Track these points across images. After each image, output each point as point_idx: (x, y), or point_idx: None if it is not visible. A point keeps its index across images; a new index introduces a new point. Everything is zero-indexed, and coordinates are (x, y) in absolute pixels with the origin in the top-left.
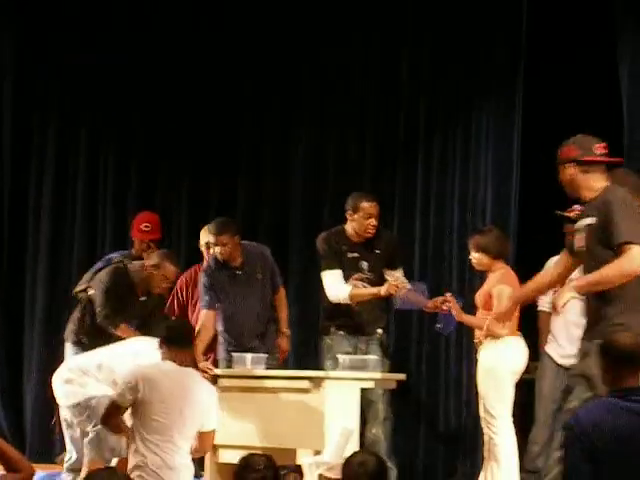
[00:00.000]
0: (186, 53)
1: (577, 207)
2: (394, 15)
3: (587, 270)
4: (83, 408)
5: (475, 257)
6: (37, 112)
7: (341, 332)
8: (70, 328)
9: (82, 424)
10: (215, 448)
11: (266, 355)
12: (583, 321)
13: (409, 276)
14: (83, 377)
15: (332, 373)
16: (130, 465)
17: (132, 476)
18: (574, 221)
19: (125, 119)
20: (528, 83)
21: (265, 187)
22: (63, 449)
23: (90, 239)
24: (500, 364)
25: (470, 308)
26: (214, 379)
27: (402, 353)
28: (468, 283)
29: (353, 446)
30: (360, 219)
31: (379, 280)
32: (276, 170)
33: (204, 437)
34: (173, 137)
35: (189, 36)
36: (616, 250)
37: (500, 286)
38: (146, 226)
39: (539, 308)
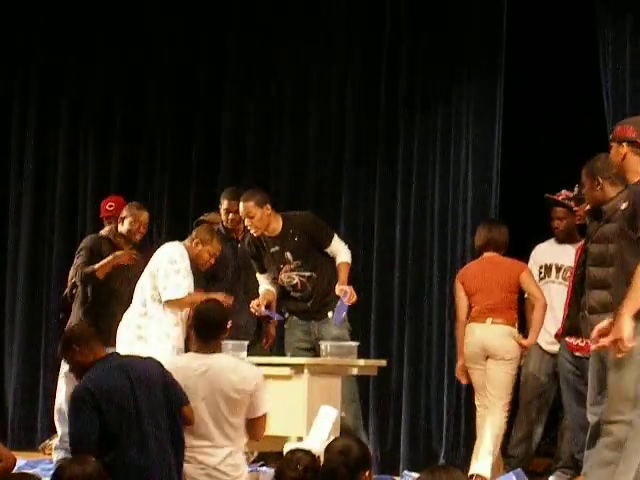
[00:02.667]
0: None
1: (564, 192)
2: None
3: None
4: None
5: None
6: (15, 104)
7: (294, 317)
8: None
9: None
10: None
11: (247, 342)
12: None
13: (390, 262)
14: None
15: (314, 360)
16: None
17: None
18: (563, 205)
19: (106, 106)
20: (509, 65)
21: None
22: (45, 437)
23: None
24: None
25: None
26: None
27: (383, 336)
28: (450, 267)
29: (336, 432)
30: (223, 213)
31: (310, 266)
32: (258, 160)
33: (253, 424)
34: (152, 122)
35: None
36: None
37: None
38: (110, 205)
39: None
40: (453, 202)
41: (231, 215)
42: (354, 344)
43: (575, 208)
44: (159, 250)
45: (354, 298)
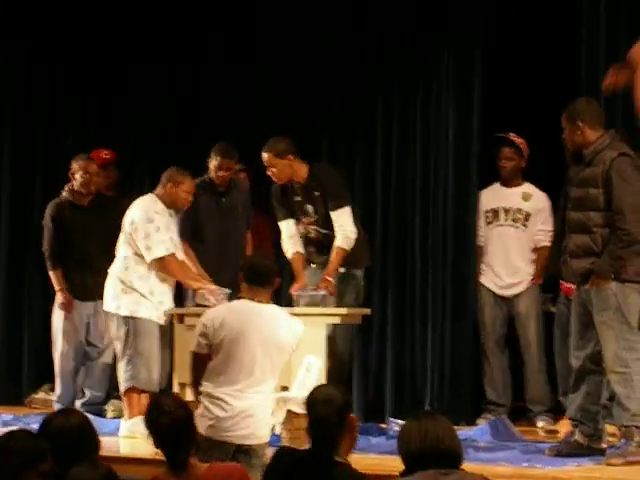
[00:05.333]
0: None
1: (513, 135)
2: None
3: None
4: None
5: None
6: None
7: (314, 266)
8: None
9: None
10: (182, 387)
11: (229, 290)
12: (526, 253)
13: (371, 223)
14: None
15: (297, 309)
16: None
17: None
18: (513, 144)
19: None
20: (489, 26)
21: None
22: (31, 391)
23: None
24: None
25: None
26: (180, 318)
27: (367, 289)
28: (433, 209)
29: (320, 381)
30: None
31: (328, 224)
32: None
33: None
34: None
35: None
36: None
37: None
38: (106, 153)
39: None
40: (435, 152)
41: (221, 172)
42: (322, 293)
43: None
44: (132, 206)
45: (331, 292)
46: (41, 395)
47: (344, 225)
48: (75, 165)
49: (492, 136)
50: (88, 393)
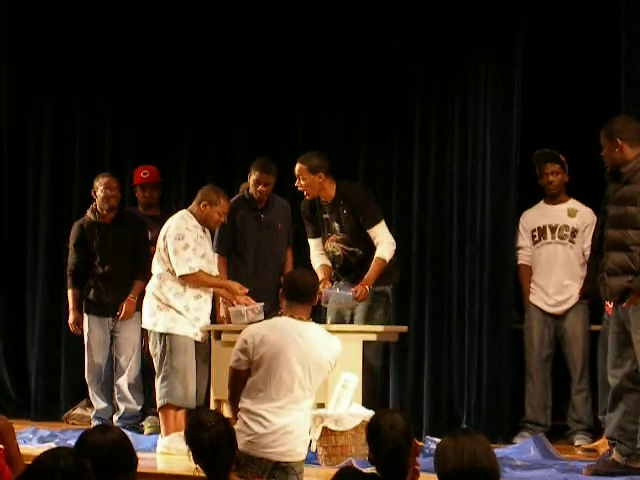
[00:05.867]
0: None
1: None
2: None
3: None
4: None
5: None
6: (33, 86)
7: (341, 282)
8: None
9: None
10: (219, 403)
11: (262, 303)
12: (575, 270)
13: (408, 227)
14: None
15: (334, 326)
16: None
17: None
18: (558, 159)
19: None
20: (529, 29)
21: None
22: (69, 407)
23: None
24: None
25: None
26: (217, 335)
27: (403, 303)
28: (469, 233)
29: (357, 398)
30: (252, 183)
31: (355, 241)
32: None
33: None
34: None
35: None
36: None
37: None
38: (144, 173)
39: (519, 262)
40: (472, 168)
41: (260, 187)
42: (350, 293)
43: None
44: (167, 222)
45: (362, 300)
46: (78, 411)
47: (384, 238)
48: (96, 183)
49: (536, 153)
50: (122, 407)
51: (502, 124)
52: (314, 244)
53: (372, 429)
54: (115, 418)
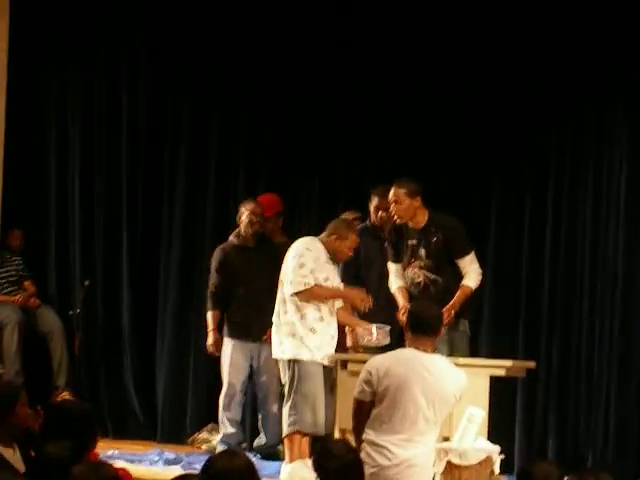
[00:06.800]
0: None
1: None
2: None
3: None
4: None
5: None
6: (169, 101)
7: None
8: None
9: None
10: (343, 433)
11: (388, 327)
12: None
13: (540, 264)
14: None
15: (461, 360)
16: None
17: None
18: None
19: (256, 106)
20: None
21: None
22: (194, 431)
23: (222, 227)
24: None
25: None
26: (343, 364)
27: (532, 339)
28: (602, 270)
29: (482, 433)
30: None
31: (439, 269)
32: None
33: None
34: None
35: None
36: None
37: None
38: (268, 201)
39: None
40: (607, 197)
41: (380, 213)
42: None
43: None
44: (293, 245)
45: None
46: (204, 435)
47: (470, 268)
48: (242, 208)
49: None
50: (264, 437)
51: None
52: (394, 269)
53: (525, 478)
54: (255, 443)
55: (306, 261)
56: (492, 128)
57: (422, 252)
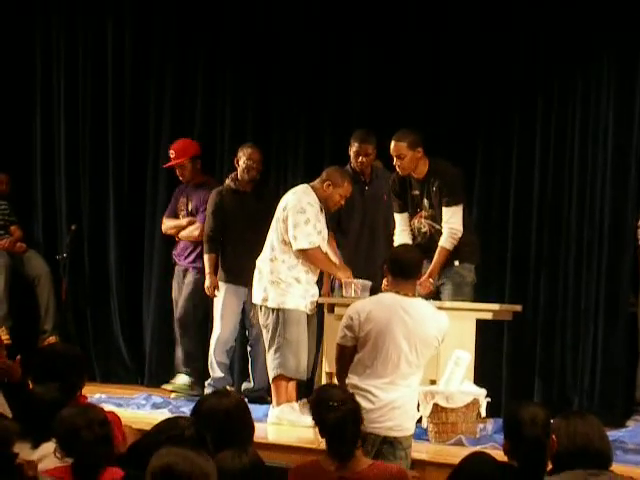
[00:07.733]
0: None
1: None
2: None
3: None
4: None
5: None
6: (156, 50)
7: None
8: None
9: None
10: (330, 376)
11: (369, 283)
12: None
13: (528, 209)
14: None
15: (448, 303)
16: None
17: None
18: None
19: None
20: None
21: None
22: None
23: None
24: None
25: None
26: (331, 308)
27: (519, 282)
28: (589, 213)
29: (469, 376)
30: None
31: (441, 218)
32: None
33: None
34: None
35: None
36: None
37: None
38: (171, 153)
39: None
40: (593, 146)
41: (361, 158)
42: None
43: None
44: (288, 194)
45: (426, 292)
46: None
47: (453, 224)
48: (240, 152)
49: None
50: (252, 381)
51: (624, 109)
52: (399, 219)
53: (512, 420)
54: (243, 387)
55: (311, 217)
56: (479, 63)
57: (425, 202)
